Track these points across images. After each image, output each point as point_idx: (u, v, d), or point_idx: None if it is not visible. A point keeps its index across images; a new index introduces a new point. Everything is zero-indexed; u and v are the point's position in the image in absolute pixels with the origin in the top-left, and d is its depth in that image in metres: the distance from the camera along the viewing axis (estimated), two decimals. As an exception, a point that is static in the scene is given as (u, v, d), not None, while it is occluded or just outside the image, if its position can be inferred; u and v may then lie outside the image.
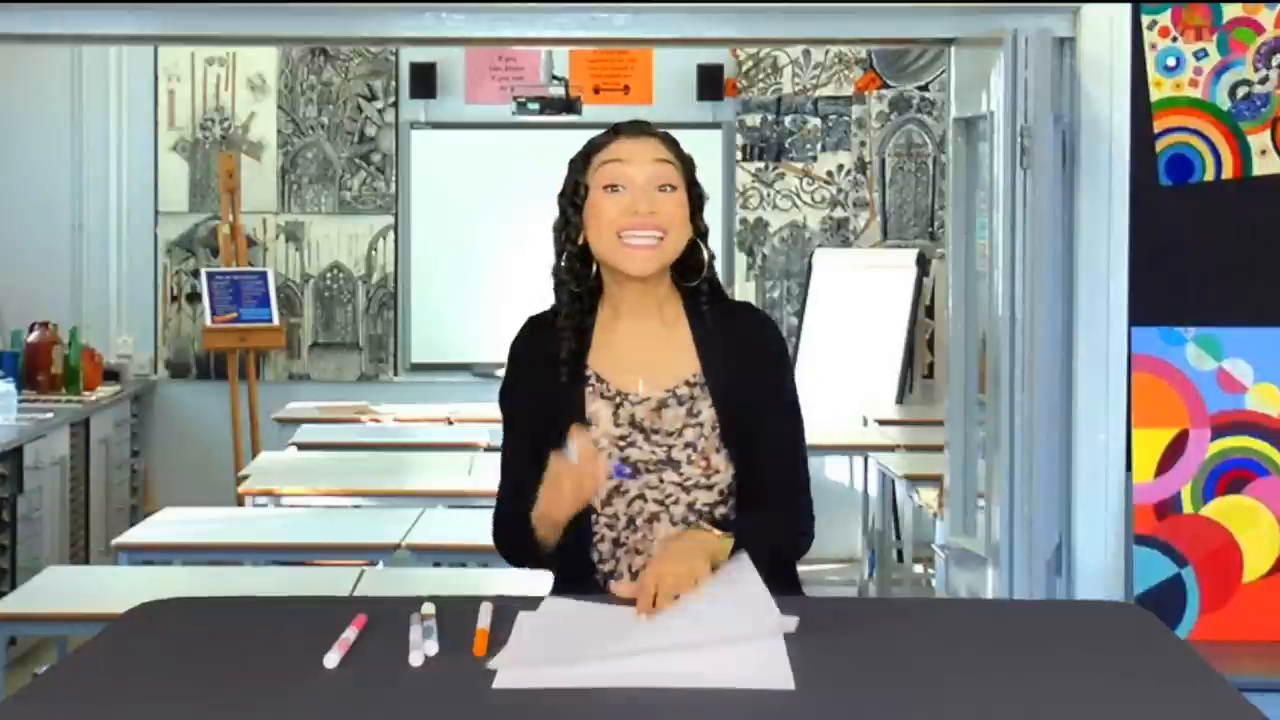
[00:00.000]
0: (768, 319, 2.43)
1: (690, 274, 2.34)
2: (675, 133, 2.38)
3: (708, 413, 2.29)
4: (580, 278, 2.35)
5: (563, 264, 2.36)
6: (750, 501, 2.30)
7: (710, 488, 2.29)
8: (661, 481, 2.29)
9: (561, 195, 2.36)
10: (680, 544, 2.17)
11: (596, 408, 2.30)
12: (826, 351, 6.97)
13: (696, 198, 2.33)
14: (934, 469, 4.75)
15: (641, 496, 2.29)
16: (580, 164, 2.34)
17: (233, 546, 4.40)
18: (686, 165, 2.34)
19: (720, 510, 2.30)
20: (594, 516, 2.29)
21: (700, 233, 2.34)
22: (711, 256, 2.35)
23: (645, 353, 2.32)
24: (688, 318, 2.34)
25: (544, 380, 2.32)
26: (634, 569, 2.28)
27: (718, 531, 2.20)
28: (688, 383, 2.30)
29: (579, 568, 2.29)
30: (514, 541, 2.32)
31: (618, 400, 2.30)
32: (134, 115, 7.46)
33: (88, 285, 7.42)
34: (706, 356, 2.32)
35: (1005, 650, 1.92)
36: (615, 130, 2.34)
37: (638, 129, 2.33)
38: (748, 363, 2.32)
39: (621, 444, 2.29)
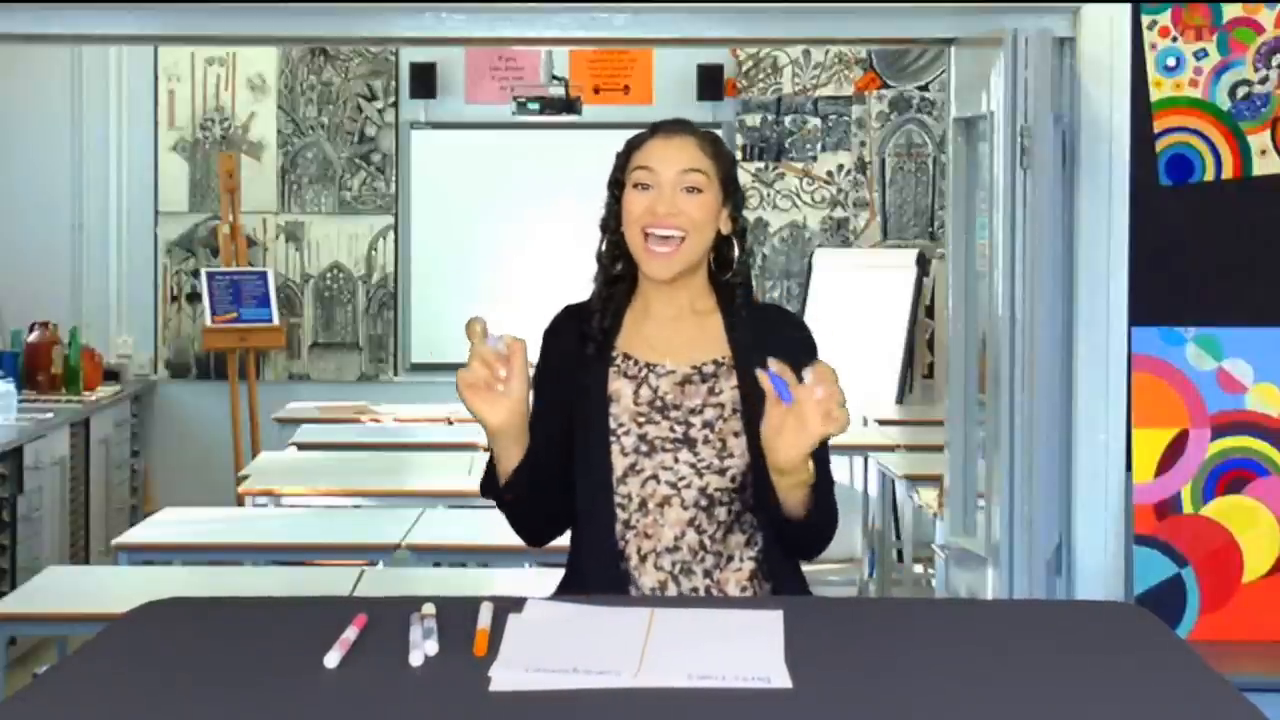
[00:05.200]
0: (799, 317, 2.54)
1: (725, 269, 2.41)
2: None
3: (729, 394, 2.33)
4: (620, 262, 2.41)
5: (603, 249, 2.42)
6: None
7: (723, 472, 2.31)
8: (676, 462, 2.32)
9: (608, 184, 2.42)
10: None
11: (618, 386, 2.35)
12: (826, 352, 6.96)
13: (734, 194, 2.39)
14: (934, 469, 4.75)
15: (655, 477, 2.32)
16: (622, 159, 2.40)
17: (233, 546, 4.40)
18: (724, 163, 2.39)
19: (734, 498, 2.31)
20: (609, 495, 2.31)
21: (738, 230, 2.40)
22: (747, 254, 2.41)
23: (675, 335, 2.38)
24: (721, 311, 2.41)
25: (574, 361, 2.38)
26: (642, 552, 2.31)
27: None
28: (715, 361, 2.36)
29: (599, 549, 2.31)
30: (498, 500, 2.37)
31: (641, 376, 2.34)
32: (134, 115, 7.46)
33: (88, 285, 7.42)
34: (736, 341, 2.37)
35: (1005, 650, 1.92)
36: (654, 129, 2.39)
37: (674, 129, 2.38)
38: (778, 351, 2.33)
39: (640, 420, 2.33)
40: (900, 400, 6.98)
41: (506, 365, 2.16)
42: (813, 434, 2.09)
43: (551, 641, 1.89)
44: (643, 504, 2.32)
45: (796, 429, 2.09)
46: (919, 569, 6.34)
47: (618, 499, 2.32)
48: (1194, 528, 3.41)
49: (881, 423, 6.58)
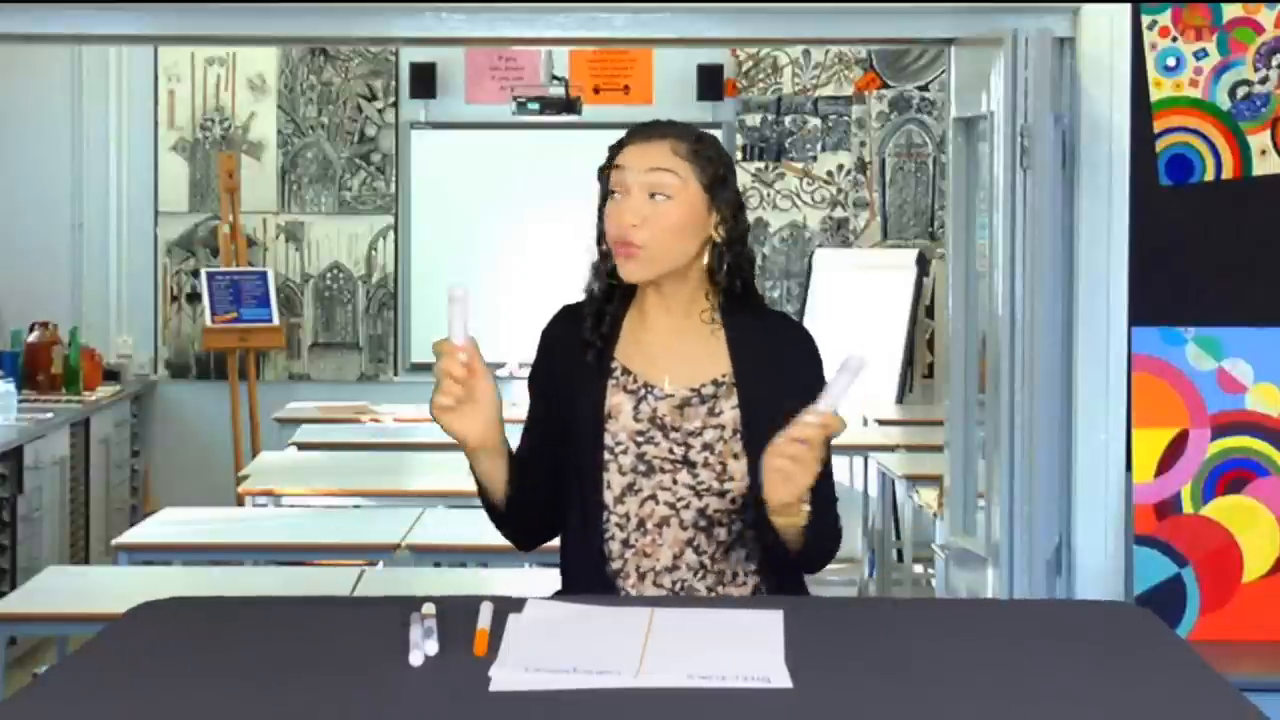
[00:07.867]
0: (805, 330, 2.43)
1: (727, 275, 2.32)
2: None
3: (730, 414, 2.28)
4: (612, 271, 2.35)
5: (597, 261, 2.36)
6: None
7: (723, 495, 2.28)
8: (675, 483, 2.28)
9: (600, 195, 2.37)
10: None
11: (618, 401, 2.30)
12: (827, 352, 6.96)
13: (723, 197, 2.29)
14: (934, 469, 4.75)
15: (654, 498, 2.29)
16: (605, 164, 2.34)
17: (233, 546, 4.40)
18: (708, 166, 2.28)
19: (735, 519, 2.28)
20: (605, 514, 2.29)
21: (735, 236, 2.30)
22: (751, 260, 2.34)
23: (676, 350, 2.32)
24: (723, 320, 2.33)
25: (570, 367, 2.33)
26: (641, 570, 2.29)
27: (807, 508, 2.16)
28: (715, 382, 2.30)
29: (590, 565, 2.30)
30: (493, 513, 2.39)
31: (641, 394, 2.30)
32: (134, 115, 7.46)
33: (88, 285, 7.42)
34: (738, 357, 2.31)
35: (1005, 650, 1.92)
36: (632, 131, 2.33)
37: (649, 132, 2.30)
38: (782, 367, 2.31)
39: (639, 439, 2.29)
40: (900, 400, 6.98)
41: (471, 374, 2.11)
42: (800, 483, 2.09)
43: (551, 641, 1.89)
44: (641, 523, 2.29)
45: (791, 473, 2.08)
46: (919, 569, 6.34)
47: (615, 518, 2.29)
48: (1194, 528, 3.41)
49: (881, 423, 6.58)
